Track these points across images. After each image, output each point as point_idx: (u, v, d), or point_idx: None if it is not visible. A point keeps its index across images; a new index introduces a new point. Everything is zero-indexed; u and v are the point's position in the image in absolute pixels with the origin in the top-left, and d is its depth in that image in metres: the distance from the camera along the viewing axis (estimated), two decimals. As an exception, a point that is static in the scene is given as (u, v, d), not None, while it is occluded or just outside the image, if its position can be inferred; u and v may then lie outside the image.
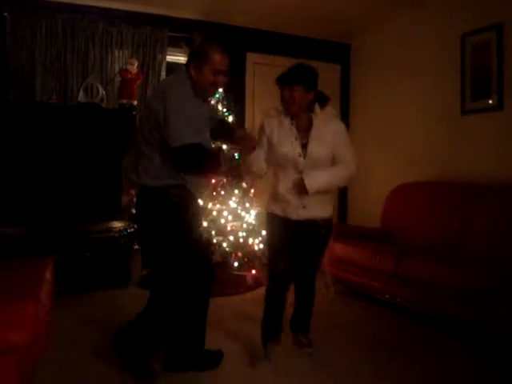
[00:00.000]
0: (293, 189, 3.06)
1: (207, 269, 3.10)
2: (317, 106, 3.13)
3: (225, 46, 3.00)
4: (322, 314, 4.11)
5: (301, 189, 2.99)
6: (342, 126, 3.18)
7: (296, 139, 3.06)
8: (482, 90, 4.71)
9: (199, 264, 3.01)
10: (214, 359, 3.09)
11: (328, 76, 6.69)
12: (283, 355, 3.24)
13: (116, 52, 5.60)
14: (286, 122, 3.11)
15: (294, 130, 3.09)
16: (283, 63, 6.30)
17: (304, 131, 3.09)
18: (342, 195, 6.83)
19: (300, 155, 3.04)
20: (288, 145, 3.06)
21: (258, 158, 3.15)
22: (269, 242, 3.30)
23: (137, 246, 5.12)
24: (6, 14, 5.04)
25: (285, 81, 3.06)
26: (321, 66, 6.70)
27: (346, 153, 3.12)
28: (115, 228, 4.93)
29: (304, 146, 3.06)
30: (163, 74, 5.78)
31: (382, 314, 4.24)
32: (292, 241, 3.17)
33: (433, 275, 3.67)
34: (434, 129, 5.24)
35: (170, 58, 5.86)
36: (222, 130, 3.32)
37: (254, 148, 3.11)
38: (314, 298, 3.39)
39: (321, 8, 5.54)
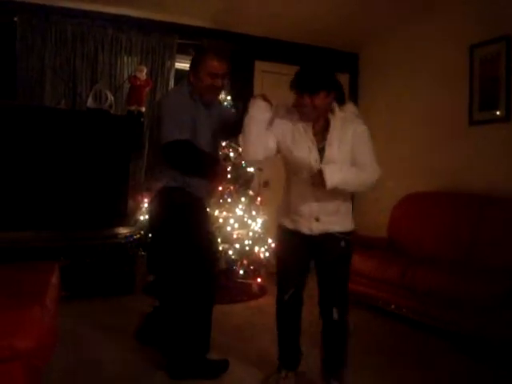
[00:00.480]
0: (305, 195, 2.74)
1: (208, 275, 3.10)
2: (335, 106, 2.72)
3: (219, 50, 3.09)
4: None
5: (319, 181, 2.57)
6: (362, 127, 2.72)
7: (313, 144, 2.69)
8: (489, 101, 4.70)
9: (199, 269, 3.01)
10: (218, 368, 3.07)
11: (336, 85, 6.70)
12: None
13: (125, 58, 5.62)
14: (301, 124, 2.73)
15: (310, 133, 2.71)
16: (291, 72, 6.33)
17: (320, 134, 2.72)
18: (348, 204, 6.81)
19: (316, 161, 2.67)
20: (304, 149, 2.70)
21: (267, 137, 2.74)
22: (278, 259, 2.99)
23: (142, 253, 5.12)
24: (16, 19, 5.07)
25: (306, 88, 2.65)
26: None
27: (366, 158, 2.71)
28: (121, 234, 4.93)
29: (321, 151, 2.69)
30: (172, 80, 5.80)
31: (387, 324, 4.21)
32: (304, 259, 2.86)
33: (439, 286, 3.66)
34: (441, 139, 5.23)
35: (178, 65, 5.87)
36: None
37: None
38: (345, 332, 2.92)
39: (329, 18, 5.55)
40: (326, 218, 2.76)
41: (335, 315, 2.86)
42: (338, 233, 2.78)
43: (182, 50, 5.75)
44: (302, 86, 2.67)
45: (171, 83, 5.78)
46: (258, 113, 2.77)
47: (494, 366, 3.24)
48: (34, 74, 5.17)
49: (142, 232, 5.06)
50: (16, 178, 4.64)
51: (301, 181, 2.76)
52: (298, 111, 2.75)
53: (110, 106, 5.22)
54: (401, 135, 5.88)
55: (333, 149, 2.68)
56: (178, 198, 2.99)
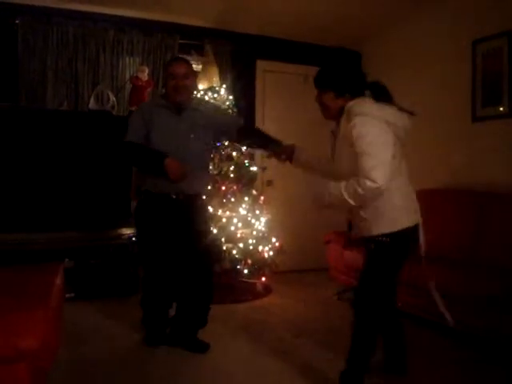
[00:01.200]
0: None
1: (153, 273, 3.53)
2: (348, 108, 2.68)
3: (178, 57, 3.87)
4: (330, 321, 4.11)
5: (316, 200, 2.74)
6: (358, 128, 2.54)
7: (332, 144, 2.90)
8: (492, 96, 4.68)
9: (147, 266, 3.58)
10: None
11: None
12: None
13: (127, 59, 5.62)
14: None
15: (332, 134, 2.93)
16: (293, 70, 6.40)
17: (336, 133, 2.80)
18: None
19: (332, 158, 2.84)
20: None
21: None
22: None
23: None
24: (17, 21, 5.07)
25: (314, 84, 2.84)
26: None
27: (360, 162, 2.50)
28: (125, 235, 4.93)
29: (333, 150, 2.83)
30: (173, 81, 5.79)
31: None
32: None
33: (444, 284, 3.63)
34: (444, 136, 5.21)
35: (180, 66, 5.86)
36: (254, 134, 3.61)
37: (285, 160, 3.21)
38: (356, 332, 2.82)
39: (331, 15, 5.54)
40: (357, 224, 2.83)
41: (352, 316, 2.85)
42: (367, 237, 2.76)
43: (184, 51, 5.76)
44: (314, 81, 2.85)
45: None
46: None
47: (499, 364, 3.23)
48: (36, 76, 5.16)
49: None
50: (19, 180, 4.65)
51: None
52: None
53: (112, 107, 5.22)
54: (404, 132, 5.85)
55: (338, 149, 2.76)
56: (139, 195, 3.54)
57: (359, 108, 2.63)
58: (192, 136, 3.34)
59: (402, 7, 5.37)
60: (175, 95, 3.33)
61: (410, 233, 2.78)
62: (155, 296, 3.52)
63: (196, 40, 5.81)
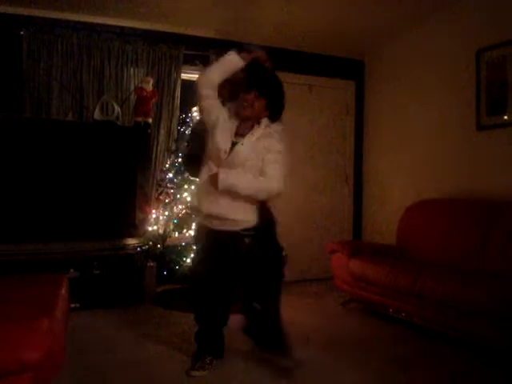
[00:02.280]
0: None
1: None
2: (265, 120, 3.13)
3: None
4: (335, 331, 4.09)
5: (213, 181, 2.98)
6: (278, 146, 3.08)
7: (232, 136, 3.07)
8: (497, 105, 4.68)
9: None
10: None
11: (343, 92, 6.72)
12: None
13: (131, 70, 5.64)
14: (233, 116, 3.13)
15: (235, 126, 3.11)
16: (297, 81, 6.42)
17: (241, 133, 3.09)
18: (357, 212, 6.81)
19: (226, 152, 3.02)
20: (224, 136, 3.06)
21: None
22: None
23: (151, 263, 5.11)
24: (22, 32, 5.11)
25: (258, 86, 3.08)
26: (335, 83, 6.75)
27: (272, 170, 3.03)
28: (130, 245, 4.93)
29: (233, 145, 3.04)
30: (178, 91, 5.81)
31: (397, 331, 4.18)
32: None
33: (450, 293, 3.61)
34: (449, 145, 5.21)
35: (185, 76, 5.88)
36: None
37: None
38: None
39: (334, 26, 5.57)
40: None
41: None
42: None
43: (189, 61, 5.78)
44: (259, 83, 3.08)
45: (177, 94, 5.80)
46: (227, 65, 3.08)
47: (508, 375, 3.20)
48: (41, 87, 5.19)
49: (151, 243, 5.07)
50: (24, 190, 4.65)
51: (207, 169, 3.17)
52: (239, 104, 3.09)
53: (117, 118, 5.23)
54: (408, 141, 5.86)
55: (243, 149, 3.02)
56: None
57: (280, 131, 3.17)
58: None
59: (405, 18, 5.38)
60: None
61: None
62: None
63: (201, 50, 5.82)
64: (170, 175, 5.21)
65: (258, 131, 3.09)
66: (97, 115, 5.15)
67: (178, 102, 5.82)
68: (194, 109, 5.15)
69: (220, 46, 5.81)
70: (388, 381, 3.13)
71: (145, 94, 5.26)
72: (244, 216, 3.08)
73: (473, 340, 3.51)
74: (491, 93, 4.73)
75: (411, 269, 4.18)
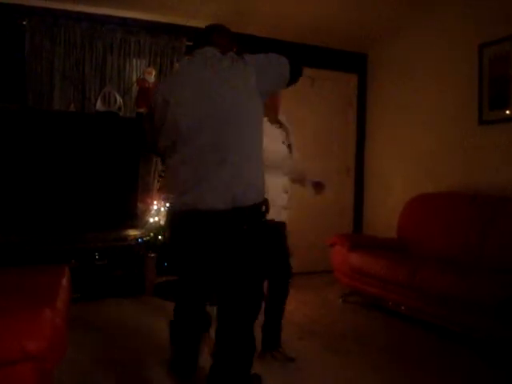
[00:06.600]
0: None
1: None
2: None
3: None
4: (334, 324, 4.11)
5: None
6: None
7: None
8: (499, 100, 4.68)
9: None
10: None
11: (345, 85, 6.71)
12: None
13: (134, 61, 5.63)
14: None
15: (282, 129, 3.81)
16: (300, 73, 6.38)
17: None
18: (358, 205, 6.82)
19: None
20: None
21: None
22: None
23: (152, 254, 5.13)
24: (24, 22, 5.10)
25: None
26: (338, 76, 6.73)
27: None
28: (131, 236, 4.95)
29: None
30: (180, 82, 5.79)
31: (397, 325, 4.21)
32: None
33: (449, 287, 3.63)
34: (451, 139, 5.21)
35: (186, 68, 5.86)
36: None
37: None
38: None
39: (337, 19, 5.56)
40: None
41: None
42: None
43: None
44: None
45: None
46: None
47: (506, 369, 3.21)
48: (44, 78, 5.18)
49: (152, 234, 5.08)
50: (25, 181, 4.66)
51: None
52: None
53: (119, 109, 5.23)
54: (410, 135, 5.86)
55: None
56: None
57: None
58: None
59: (408, 11, 5.38)
60: None
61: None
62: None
63: (203, 42, 5.80)
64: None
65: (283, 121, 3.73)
66: (99, 106, 5.15)
67: (180, 93, 5.79)
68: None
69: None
70: (386, 374, 3.15)
71: (147, 85, 5.25)
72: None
73: (471, 333, 3.53)
74: (493, 87, 4.72)
75: (411, 262, 4.20)
